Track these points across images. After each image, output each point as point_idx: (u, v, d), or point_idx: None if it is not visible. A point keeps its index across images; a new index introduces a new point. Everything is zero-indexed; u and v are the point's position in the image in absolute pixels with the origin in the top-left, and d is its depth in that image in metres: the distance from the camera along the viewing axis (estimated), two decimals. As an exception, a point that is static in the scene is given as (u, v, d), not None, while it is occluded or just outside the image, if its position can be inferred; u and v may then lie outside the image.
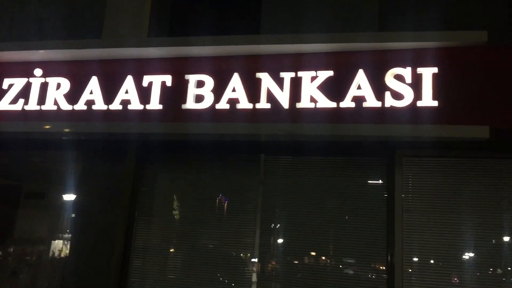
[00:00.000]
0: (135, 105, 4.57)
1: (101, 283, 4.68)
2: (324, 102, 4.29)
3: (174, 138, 4.70)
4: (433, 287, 4.29)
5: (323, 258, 4.61)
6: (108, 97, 4.62)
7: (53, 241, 5.43)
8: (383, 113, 4.19)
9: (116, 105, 4.60)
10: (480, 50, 4.15)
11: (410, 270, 4.36)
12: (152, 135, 4.63)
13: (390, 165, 4.58)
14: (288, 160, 4.91)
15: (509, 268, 4.26)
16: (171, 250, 4.98)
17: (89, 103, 4.65)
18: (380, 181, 4.65)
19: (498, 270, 4.29)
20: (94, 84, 4.68)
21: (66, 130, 4.61)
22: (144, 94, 4.58)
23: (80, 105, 4.65)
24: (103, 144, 4.93)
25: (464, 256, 4.36)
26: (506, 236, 4.32)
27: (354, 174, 4.70)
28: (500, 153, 4.37)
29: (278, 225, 4.77)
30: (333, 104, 4.27)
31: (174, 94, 4.56)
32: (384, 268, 4.39)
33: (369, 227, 4.54)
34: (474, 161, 4.46)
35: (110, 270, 4.71)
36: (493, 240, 4.33)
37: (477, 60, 4.14)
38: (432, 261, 4.38)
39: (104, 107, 4.61)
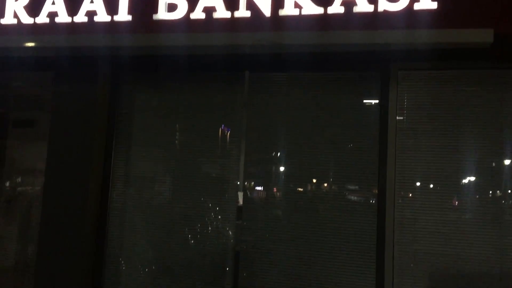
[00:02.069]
0: (102, 16, 4.15)
1: (79, 211, 4.47)
2: (310, 8, 3.85)
3: (148, 53, 4.30)
4: (425, 212, 4.03)
5: (311, 182, 4.33)
6: (72, 8, 4.19)
7: (41, 170, 5.20)
8: (375, 19, 3.74)
9: (81, 17, 4.18)
10: None
11: (402, 195, 4.08)
12: (122, 49, 4.21)
13: (384, 80, 4.18)
14: (274, 77, 4.51)
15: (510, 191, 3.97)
16: (153, 176, 4.73)
17: (52, 15, 4.23)
18: (373, 98, 4.26)
19: (498, 192, 3.99)
20: (55, -7, 4.24)
21: (28, 44, 4.21)
22: (111, 4, 4.14)
23: (42, 18, 4.23)
24: (74, 64, 4.54)
25: (462, 179, 4.03)
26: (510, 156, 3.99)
27: (346, 90, 4.32)
28: (504, 62, 3.94)
29: (264, 148, 4.46)
30: (320, 10, 3.84)
31: (144, 3, 4.12)
32: (375, 192, 4.11)
33: (360, 149, 4.21)
34: (475, 72, 4.04)
35: (89, 198, 4.50)
36: (495, 162, 3.99)
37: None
38: (426, 185, 4.07)
39: (68, 19, 4.19)
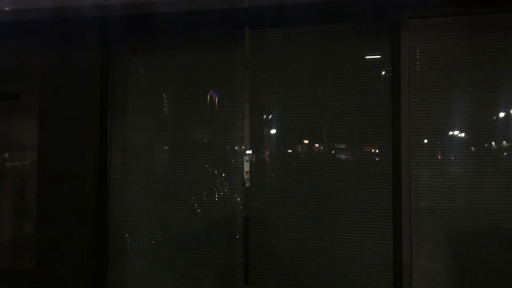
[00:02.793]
0: (87, -28, 3.81)
1: (78, 185, 4.24)
2: (315, -48, 3.54)
3: (140, 12, 3.96)
4: (442, 167, 3.85)
5: (321, 142, 4.11)
6: (54, -35, 3.83)
7: (32, 144, 4.94)
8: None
9: (64, -26, 3.83)
10: None
11: (417, 150, 3.88)
12: (111, 8, 3.87)
13: (395, 30, 3.92)
14: (276, 32, 4.22)
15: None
16: (153, 144, 4.48)
17: (32, -27, 3.87)
18: (384, 51, 4.01)
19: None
20: (35, -51, 3.86)
21: (8, 7, 3.86)
22: (97, -43, 3.79)
23: (22, -23, 3.88)
24: (60, 28, 4.22)
25: (479, 132, 3.82)
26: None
27: (354, 44, 4.05)
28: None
29: (270, 109, 4.21)
30: (326, -46, 3.53)
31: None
32: (389, 150, 3.92)
33: (371, 106, 3.98)
34: (496, 17, 3.77)
35: (87, 170, 4.26)
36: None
37: None
38: (442, 140, 3.87)
39: (51, -23, 3.84)
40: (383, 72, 3.99)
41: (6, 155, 5.11)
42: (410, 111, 3.88)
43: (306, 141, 4.15)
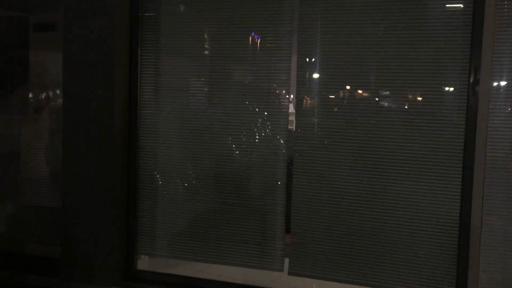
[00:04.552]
0: None
1: (105, 125, 3.96)
2: None
3: None
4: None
5: (378, 88, 3.55)
6: None
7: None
8: None
9: None
10: None
11: (498, 98, 3.27)
12: None
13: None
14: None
15: None
16: (188, 83, 4.09)
17: None
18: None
19: None
20: None
21: None
22: None
23: None
24: None
25: None
26: None
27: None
28: None
29: (322, 47, 3.67)
30: None
31: None
32: (463, 98, 3.32)
33: (444, 48, 3.36)
34: None
35: (115, 110, 3.95)
36: None
37: None
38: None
39: None
40: (460, 5, 3.35)
41: (44, 89, 4.89)
42: (493, 52, 3.26)
43: (362, 86, 3.62)
